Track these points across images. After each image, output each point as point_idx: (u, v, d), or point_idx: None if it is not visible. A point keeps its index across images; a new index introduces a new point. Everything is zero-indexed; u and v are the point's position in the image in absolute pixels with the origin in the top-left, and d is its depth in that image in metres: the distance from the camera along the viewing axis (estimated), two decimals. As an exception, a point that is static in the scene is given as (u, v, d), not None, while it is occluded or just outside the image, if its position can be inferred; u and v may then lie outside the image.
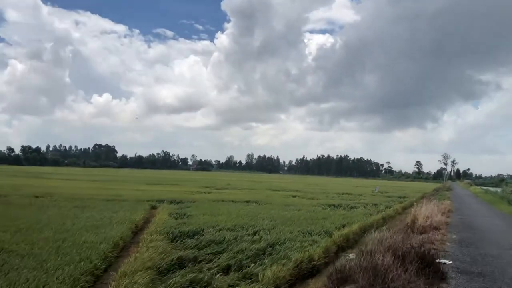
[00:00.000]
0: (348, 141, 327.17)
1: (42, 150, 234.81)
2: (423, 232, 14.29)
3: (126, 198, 24.63)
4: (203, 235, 12.68)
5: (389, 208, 27.10)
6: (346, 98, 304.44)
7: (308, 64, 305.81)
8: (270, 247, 11.14)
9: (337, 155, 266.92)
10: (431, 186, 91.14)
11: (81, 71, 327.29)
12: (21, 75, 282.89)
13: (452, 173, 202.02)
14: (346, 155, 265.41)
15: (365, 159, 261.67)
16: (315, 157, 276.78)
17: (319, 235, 13.62)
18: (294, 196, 34.08)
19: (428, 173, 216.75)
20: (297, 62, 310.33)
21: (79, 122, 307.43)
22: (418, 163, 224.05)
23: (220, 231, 13.32)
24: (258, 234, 13.08)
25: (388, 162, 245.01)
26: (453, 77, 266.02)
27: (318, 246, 11.33)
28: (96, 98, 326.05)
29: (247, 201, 26.42)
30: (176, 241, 11.64)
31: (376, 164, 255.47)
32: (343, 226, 16.15)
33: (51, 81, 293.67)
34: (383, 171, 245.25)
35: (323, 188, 53.33)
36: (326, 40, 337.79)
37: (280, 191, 41.61)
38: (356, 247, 12.33)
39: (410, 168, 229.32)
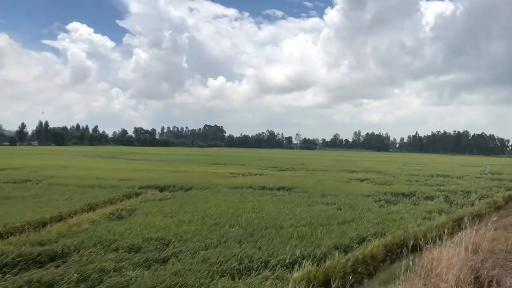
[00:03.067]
0: (470, 116, 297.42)
1: (157, 131, 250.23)
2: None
3: (114, 183, 20.06)
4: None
5: (486, 198, 19.03)
6: (469, 69, 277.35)
7: (425, 35, 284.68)
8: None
9: (455, 131, 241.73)
10: None
11: (197, 56, 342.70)
12: (145, 63, 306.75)
13: None
14: (466, 131, 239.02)
15: (487, 134, 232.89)
16: (429, 134, 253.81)
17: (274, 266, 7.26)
18: (362, 180, 26.96)
19: None
20: (413, 33, 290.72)
21: (196, 105, 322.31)
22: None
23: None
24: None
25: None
26: None
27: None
28: (211, 82, 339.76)
29: (281, 188, 20.27)
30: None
31: (501, 140, 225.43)
32: (363, 241, 9.54)
33: (170, 67, 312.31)
34: (509, 148, 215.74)
35: (419, 169, 44.37)
36: (445, 7, 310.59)
37: (355, 173, 34.54)
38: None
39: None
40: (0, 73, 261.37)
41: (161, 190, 19.36)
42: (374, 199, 17.55)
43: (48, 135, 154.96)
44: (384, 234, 10.19)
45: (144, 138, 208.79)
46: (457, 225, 12.77)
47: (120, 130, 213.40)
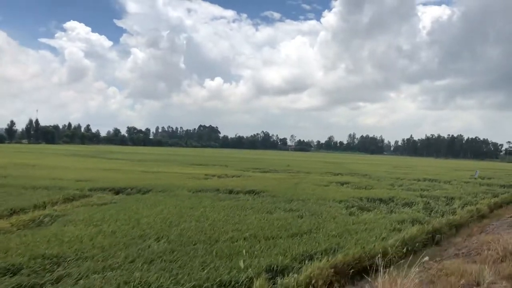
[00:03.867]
0: (465, 120, 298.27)
1: (152, 131, 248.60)
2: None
3: (65, 185, 18.30)
4: None
5: (470, 205, 17.50)
6: (464, 73, 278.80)
7: (422, 39, 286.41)
8: None
9: (448, 135, 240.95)
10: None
11: (195, 57, 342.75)
12: (142, 63, 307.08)
13: None
14: (460, 135, 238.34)
15: (481, 138, 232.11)
16: (423, 137, 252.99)
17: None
18: (343, 184, 25.33)
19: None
20: (410, 37, 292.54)
21: (193, 105, 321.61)
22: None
23: None
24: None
25: (509, 142, 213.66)
26: None
27: None
28: (208, 82, 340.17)
29: (249, 191, 18.64)
30: None
31: (495, 145, 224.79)
32: (310, 259, 7.92)
33: (168, 67, 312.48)
34: (502, 153, 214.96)
35: (407, 172, 42.81)
36: (442, 12, 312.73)
37: (339, 175, 33.03)
38: None
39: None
40: None
41: (117, 192, 17.62)
42: (347, 205, 15.93)
43: (38, 134, 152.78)
44: (337, 250, 8.57)
45: (137, 137, 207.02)
46: (430, 238, 11.25)
47: (113, 130, 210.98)
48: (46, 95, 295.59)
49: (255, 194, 18.01)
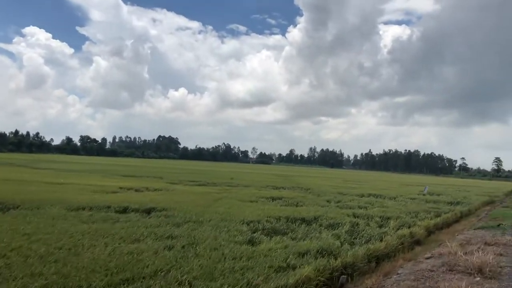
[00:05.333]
0: (422, 136, 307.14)
1: (109, 141, 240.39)
2: None
3: None
4: None
5: (406, 228, 14.91)
6: (422, 91, 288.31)
7: (383, 57, 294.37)
8: None
9: (405, 150, 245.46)
10: (510, 186, 73.43)
11: (159, 67, 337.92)
12: (105, 71, 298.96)
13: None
14: (417, 150, 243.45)
15: (437, 154, 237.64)
16: (381, 152, 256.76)
17: None
18: (275, 199, 22.45)
19: (510, 171, 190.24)
20: (371, 55, 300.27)
21: (156, 115, 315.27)
22: (497, 160, 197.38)
23: None
24: None
25: (463, 159, 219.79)
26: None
27: None
28: (172, 93, 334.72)
29: (148, 209, 15.38)
30: None
31: (449, 160, 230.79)
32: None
33: (131, 77, 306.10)
34: (456, 168, 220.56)
35: (354, 187, 40.64)
36: (402, 31, 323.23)
37: (281, 189, 30.42)
38: None
39: (488, 166, 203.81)
40: None
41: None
42: (255, 228, 12.93)
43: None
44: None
45: (90, 147, 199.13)
46: (336, 278, 8.33)
47: (65, 138, 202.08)
48: (2, 101, 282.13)
49: (151, 213, 14.74)
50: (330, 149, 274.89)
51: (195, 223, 12.95)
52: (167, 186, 28.26)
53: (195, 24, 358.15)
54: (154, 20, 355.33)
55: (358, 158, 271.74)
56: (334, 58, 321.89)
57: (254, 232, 12.40)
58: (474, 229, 12.66)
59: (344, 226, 14.47)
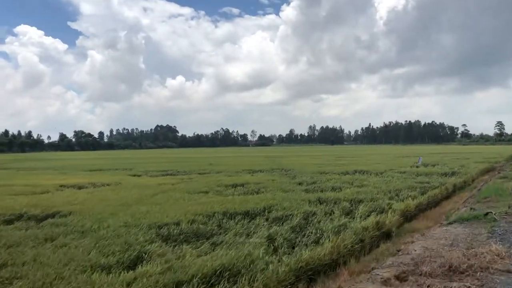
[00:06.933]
0: (423, 106, 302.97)
1: (106, 134, 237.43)
2: None
3: None
4: None
5: (379, 213, 11.58)
6: (421, 61, 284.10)
7: (380, 29, 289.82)
8: None
9: (406, 121, 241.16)
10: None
11: (154, 56, 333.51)
12: (100, 65, 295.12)
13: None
14: (417, 120, 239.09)
15: (437, 123, 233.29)
16: (382, 125, 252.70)
17: None
18: (236, 186, 19.10)
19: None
20: (367, 27, 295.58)
21: (155, 106, 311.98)
22: (500, 124, 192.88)
23: None
24: None
25: (464, 125, 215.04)
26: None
27: None
28: (170, 82, 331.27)
29: (49, 215, 12.04)
30: None
31: (451, 128, 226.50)
32: None
33: (127, 68, 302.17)
34: (458, 135, 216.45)
35: (343, 163, 37.22)
36: (397, 1, 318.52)
37: (256, 174, 27.08)
38: None
39: (491, 131, 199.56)
40: None
41: None
42: (168, 232, 9.63)
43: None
44: None
45: (85, 141, 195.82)
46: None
47: (59, 135, 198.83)
48: (1, 102, 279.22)
49: (46, 220, 11.37)
50: (330, 126, 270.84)
51: (83, 233, 9.60)
52: (123, 179, 24.89)
53: (187, 10, 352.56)
54: (145, 9, 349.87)
55: (359, 133, 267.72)
56: (330, 33, 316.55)
57: (166, 240, 9.18)
58: (449, 223, 9.15)
59: (294, 219, 11.08)
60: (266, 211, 12.32)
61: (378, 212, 12.20)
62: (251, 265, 6.96)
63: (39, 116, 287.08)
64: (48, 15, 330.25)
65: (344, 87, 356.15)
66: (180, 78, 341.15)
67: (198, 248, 8.66)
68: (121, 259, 7.56)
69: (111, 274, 6.67)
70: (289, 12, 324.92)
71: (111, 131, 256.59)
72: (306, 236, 9.63)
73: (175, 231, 9.80)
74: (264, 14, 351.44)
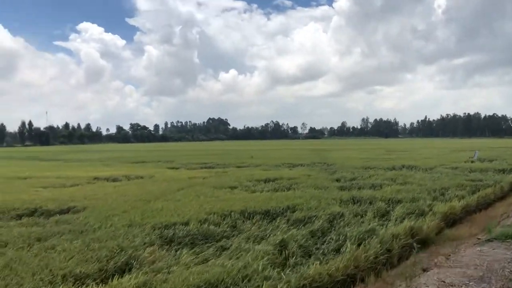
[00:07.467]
0: (484, 98, 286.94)
1: (161, 127, 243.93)
2: None
3: None
4: None
5: (417, 216, 10.15)
6: (483, 50, 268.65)
7: (438, 18, 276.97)
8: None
9: (465, 113, 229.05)
10: None
11: (208, 51, 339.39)
12: (157, 60, 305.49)
13: None
14: (477, 113, 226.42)
15: (499, 115, 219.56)
16: (438, 117, 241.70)
17: None
18: (267, 181, 18.06)
19: None
20: (425, 17, 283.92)
21: (208, 99, 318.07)
22: None
23: None
24: None
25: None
26: None
27: None
28: (223, 75, 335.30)
29: (61, 211, 11.58)
30: None
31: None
32: None
33: (182, 63, 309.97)
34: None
35: (392, 158, 35.13)
36: None
37: (296, 168, 25.88)
38: None
39: None
40: (17, 76, 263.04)
41: None
42: (173, 234, 8.76)
43: (32, 136, 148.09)
44: None
45: (140, 134, 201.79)
46: None
47: (116, 128, 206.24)
48: (65, 97, 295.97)
49: (55, 216, 10.88)
50: (384, 119, 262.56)
51: (82, 233, 8.90)
52: (159, 172, 24.55)
53: (240, 4, 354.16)
54: (199, 4, 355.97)
55: (415, 126, 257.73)
56: (385, 23, 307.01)
57: (169, 242, 8.34)
58: (488, 240, 7.43)
59: (318, 221, 9.84)
60: (289, 211, 11.14)
61: (417, 214, 10.72)
62: (244, 281, 5.88)
63: (100, 109, 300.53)
64: (108, 12, 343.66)
65: (399, 78, 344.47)
66: (232, 72, 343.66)
67: (200, 253, 7.70)
68: (104, 266, 6.72)
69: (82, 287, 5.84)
70: (342, 2, 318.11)
71: (166, 124, 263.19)
72: (326, 243, 8.41)
73: (181, 232, 8.89)
74: (317, 5, 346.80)
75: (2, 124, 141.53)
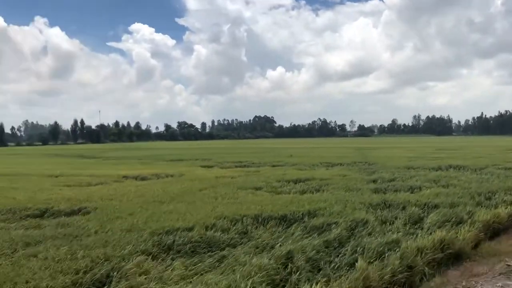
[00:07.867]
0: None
1: (208, 125, 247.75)
2: None
3: None
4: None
5: (453, 224, 8.91)
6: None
7: (497, 9, 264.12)
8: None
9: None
10: None
11: (256, 48, 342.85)
12: (205, 59, 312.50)
13: None
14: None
15: None
16: (496, 114, 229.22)
17: None
18: (298, 182, 17.03)
19: None
20: (482, 8, 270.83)
21: (256, 97, 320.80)
22: None
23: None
24: None
25: None
26: None
27: None
28: (270, 73, 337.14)
29: (72, 212, 11.13)
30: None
31: None
32: None
33: (230, 61, 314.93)
34: None
35: (440, 157, 32.85)
36: None
37: (335, 167, 24.91)
38: None
39: None
40: (73, 76, 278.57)
41: None
42: (172, 241, 7.96)
43: (84, 134, 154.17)
44: None
45: (187, 132, 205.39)
46: None
47: (164, 126, 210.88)
48: (117, 96, 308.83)
49: (59, 218, 10.45)
50: (437, 116, 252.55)
51: (76, 237, 8.29)
52: (190, 170, 24.08)
53: (288, 1, 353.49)
54: (247, 2, 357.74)
55: (470, 123, 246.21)
56: (439, 16, 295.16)
57: (167, 250, 7.60)
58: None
59: (336, 229, 8.75)
60: (309, 216, 10.07)
61: (453, 223, 9.37)
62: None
63: (150, 108, 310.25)
64: (158, 12, 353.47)
65: (454, 73, 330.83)
66: (280, 69, 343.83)
67: (196, 265, 6.86)
68: (79, 279, 6.00)
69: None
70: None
71: (213, 122, 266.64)
72: (340, 255, 7.32)
73: (182, 239, 8.07)
74: (366, 0, 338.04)
75: (56, 122, 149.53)
